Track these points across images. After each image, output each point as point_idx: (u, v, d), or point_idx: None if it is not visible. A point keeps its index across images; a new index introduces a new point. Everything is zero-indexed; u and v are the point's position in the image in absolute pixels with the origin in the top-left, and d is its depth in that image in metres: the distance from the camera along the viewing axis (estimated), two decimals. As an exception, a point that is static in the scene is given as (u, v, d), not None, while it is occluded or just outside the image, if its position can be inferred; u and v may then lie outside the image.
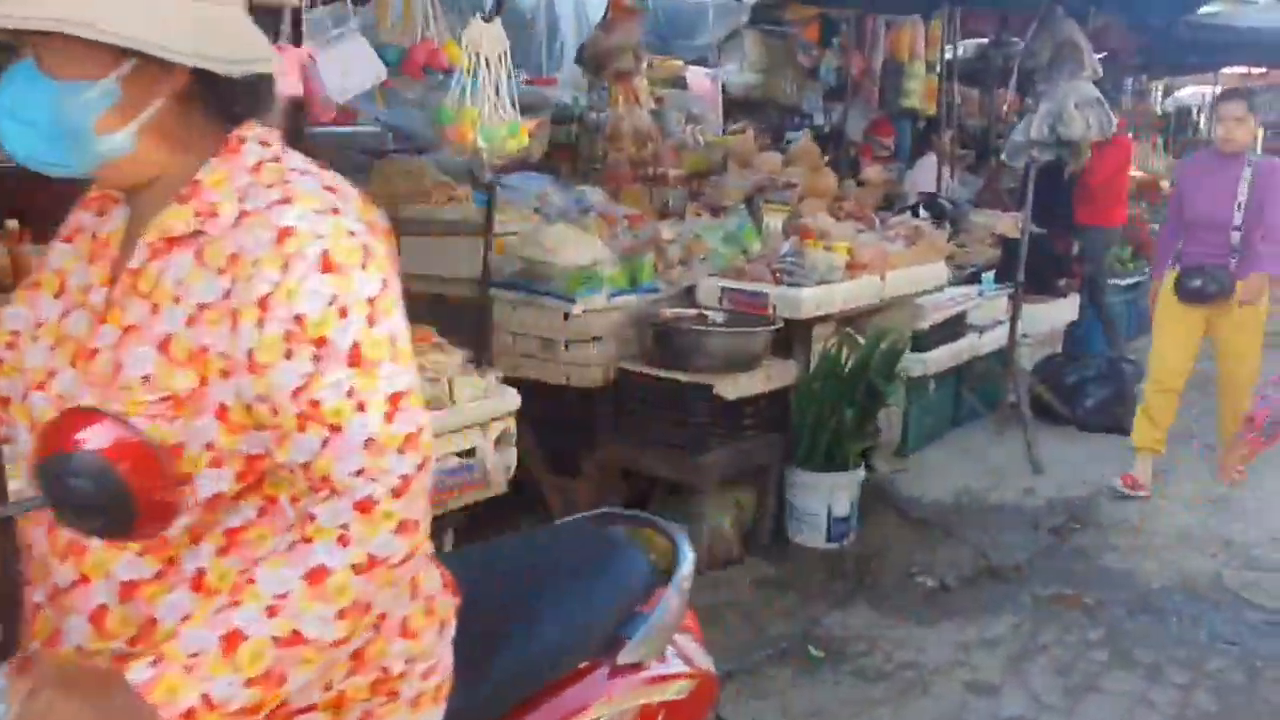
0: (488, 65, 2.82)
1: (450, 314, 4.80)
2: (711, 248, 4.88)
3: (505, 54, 2.90)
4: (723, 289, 4.75)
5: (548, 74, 6.84)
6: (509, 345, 4.66)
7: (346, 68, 2.39)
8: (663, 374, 4.40)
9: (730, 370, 4.37)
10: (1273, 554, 4.87)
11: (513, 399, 3.12)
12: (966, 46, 12.28)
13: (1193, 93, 16.28)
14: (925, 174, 8.59)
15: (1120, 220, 7.93)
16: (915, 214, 7.20)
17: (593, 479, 4.69)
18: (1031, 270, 6.73)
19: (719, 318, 4.68)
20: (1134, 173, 13.45)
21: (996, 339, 6.44)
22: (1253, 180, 5.07)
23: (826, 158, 9.96)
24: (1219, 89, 15.03)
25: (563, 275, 4.43)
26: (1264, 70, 12.86)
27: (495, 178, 4.16)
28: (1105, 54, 12.33)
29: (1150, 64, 11.77)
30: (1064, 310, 7.21)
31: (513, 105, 2.94)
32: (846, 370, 4.73)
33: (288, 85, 2.33)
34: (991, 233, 7.00)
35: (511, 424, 3.13)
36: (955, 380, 6.34)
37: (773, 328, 4.53)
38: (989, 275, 6.78)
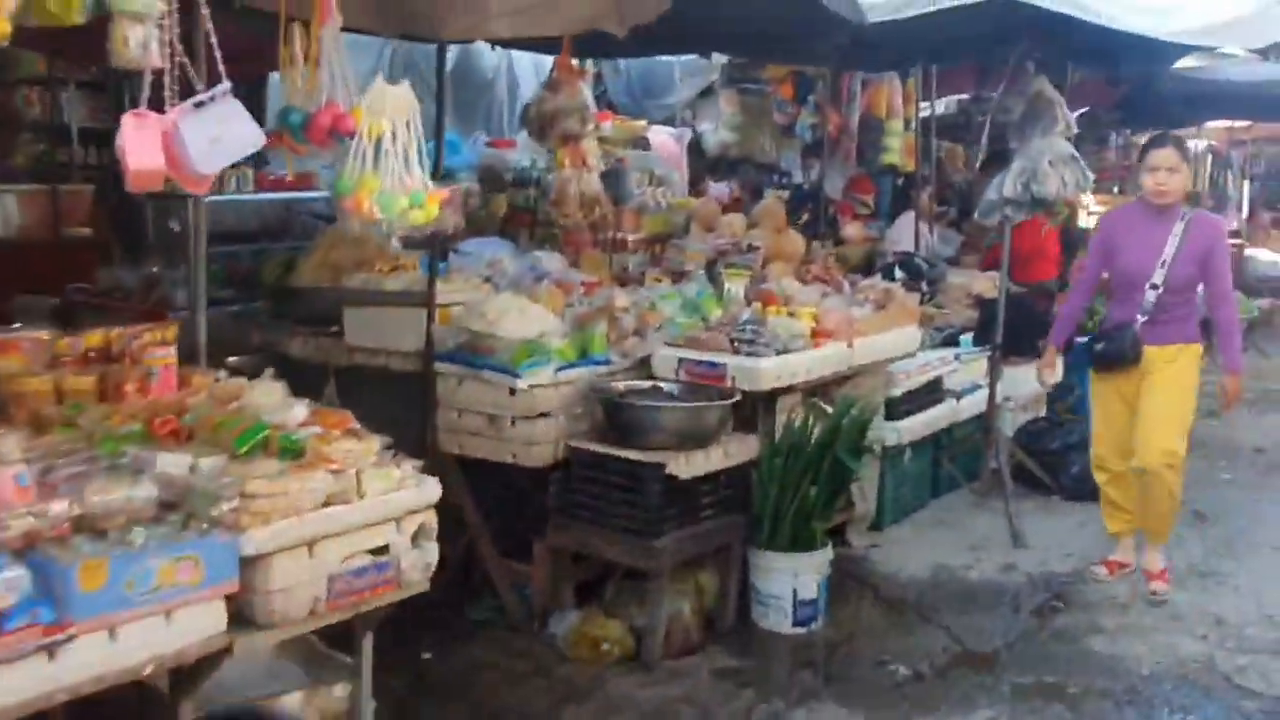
0: (393, 131, 2.61)
1: (395, 388, 4.59)
2: (668, 316, 4.65)
3: (414, 118, 2.68)
4: (679, 360, 4.51)
5: (510, 135, 6.69)
6: (455, 422, 4.42)
7: (218, 135, 2.17)
8: (614, 452, 4.15)
9: (685, 447, 4.12)
10: (1266, 633, 4.59)
11: (432, 490, 2.87)
12: (948, 103, 12.26)
13: (1179, 146, 16.22)
14: (905, 232, 8.41)
15: (1050, 275, 7.62)
16: (891, 274, 7.01)
17: (544, 564, 4.43)
18: (1011, 331, 6.52)
19: (675, 390, 4.45)
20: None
21: (976, 404, 6.21)
22: (1184, 237, 4.59)
23: (805, 216, 9.86)
24: (1205, 143, 15.02)
25: (507, 348, 4.20)
26: (1247, 124, 12.74)
27: (451, 245, 3.97)
28: (1085, 109, 12.31)
29: (1131, 118, 11.63)
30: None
31: (426, 173, 2.71)
32: (811, 444, 4.49)
33: (144, 156, 2.10)
34: (969, 292, 6.79)
35: (431, 517, 2.87)
36: (933, 448, 6.10)
37: (730, 401, 4.29)
38: (967, 337, 6.56)
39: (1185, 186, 4.67)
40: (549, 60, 6.33)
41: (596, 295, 4.66)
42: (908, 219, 8.54)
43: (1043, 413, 6.85)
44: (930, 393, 5.96)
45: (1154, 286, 4.59)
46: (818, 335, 4.77)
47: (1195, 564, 5.32)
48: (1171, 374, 4.66)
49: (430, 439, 4.43)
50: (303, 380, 5.03)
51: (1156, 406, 4.67)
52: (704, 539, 4.33)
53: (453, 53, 6.94)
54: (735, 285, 4.92)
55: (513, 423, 4.25)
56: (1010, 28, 5.62)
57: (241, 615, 2.54)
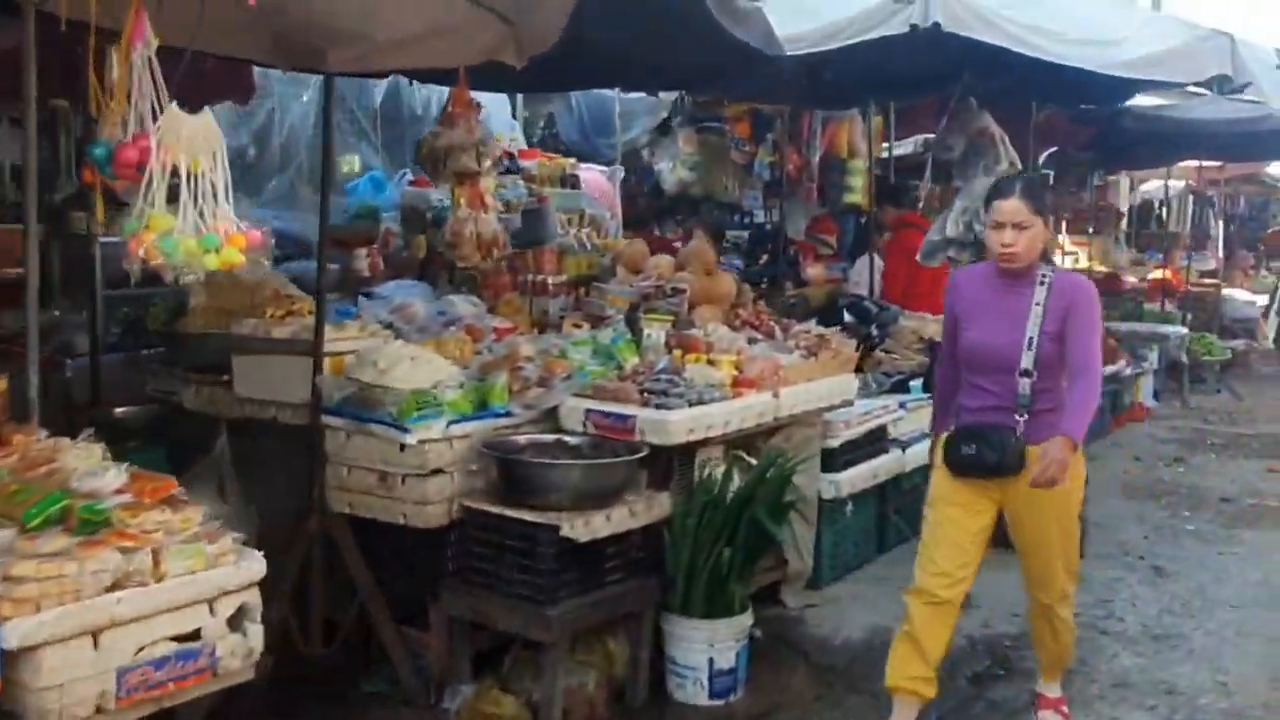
0: (188, 171, 2.32)
1: (286, 443, 4.29)
2: (579, 363, 4.36)
3: (219, 152, 2.41)
4: (586, 412, 4.22)
5: (438, 174, 6.42)
6: (344, 479, 4.11)
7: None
8: (507, 513, 3.84)
9: (583, 506, 3.82)
10: (1218, 702, 4.27)
11: (254, 567, 2.56)
12: (916, 142, 12.07)
13: (1157, 186, 16.06)
14: (864, 273, 8.15)
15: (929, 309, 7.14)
16: (840, 318, 6.75)
17: (441, 631, 4.11)
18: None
19: (582, 445, 4.15)
20: (1099, 267, 13.23)
21: (925, 453, 5.90)
22: (1046, 305, 3.60)
23: (765, 256, 9.60)
24: (1184, 183, 14.84)
25: (396, 400, 3.90)
26: (1219, 164, 12.55)
27: (363, 289, 3.68)
28: (1054, 149, 12.12)
29: (1101, 158, 11.44)
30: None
31: (230, 212, 2.43)
32: (729, 501, 4.19)
33: None
34: (921, 336, 6.51)
35: (254, 597, 2.57)
36: (878, 500, 5.80)
37: (635, 456, 4.00)
38: (918, 383, 6.28)
39: (1039, 244, 3.64)
40: (491, 96, 6.10)
41: (502, 343, 4.37)
42: (865, 260, 8.30)
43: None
44: (873, 442, 5.67)
45: (1025, 374, 3.59)
46: (739, 384, 4.48)
47: (1149, 625, 5.01)
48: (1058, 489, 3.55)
49: (318, 497, 4.12)
50: (196, 433, 4.81)
51: (1050, 534, 3.77)
52: (610, 605, 4.01)
53: (381, 87, 6.75)
54: (655, 331, 4.63)
55: (403, 480, 3.95)
56: (950, 62, 5.41)
57: (12, 715, 2.23)
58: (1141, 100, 9.64)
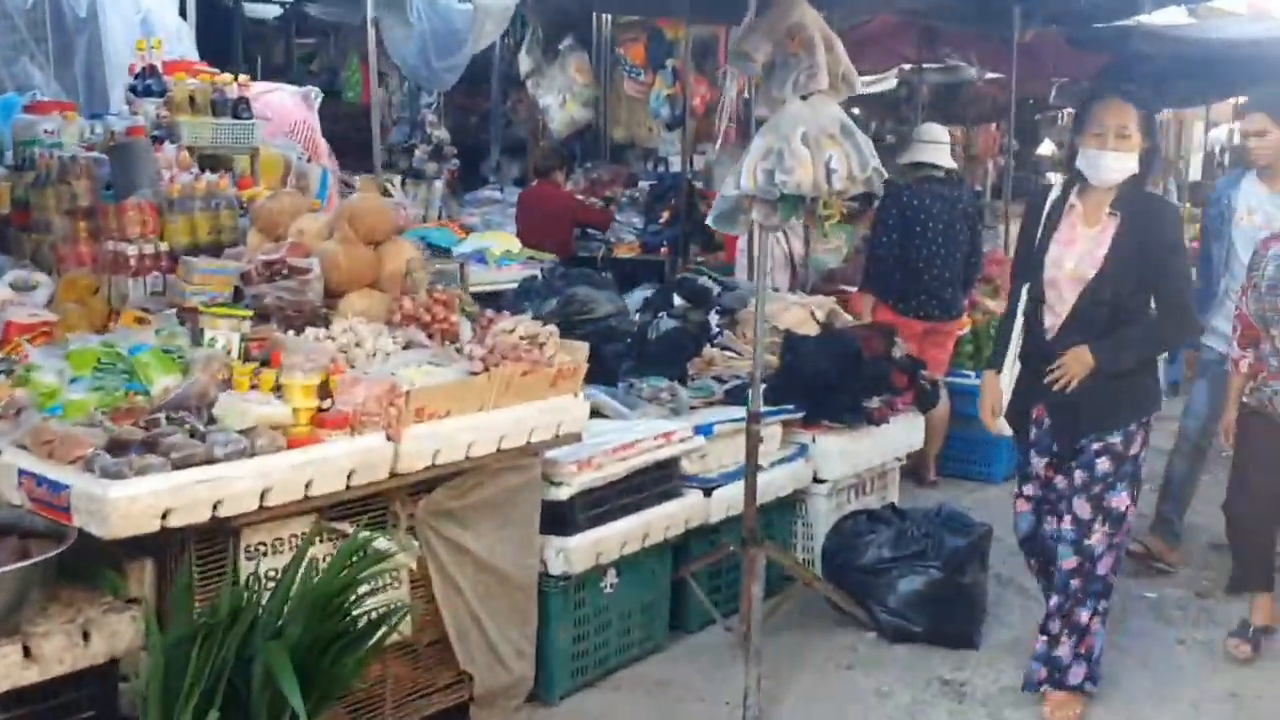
0: None
1: None
2: (49, 389, 2.72)
3: None
4: (20, 473, 2.58)
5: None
6: None
7: None
8: None
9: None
10: None
11: None
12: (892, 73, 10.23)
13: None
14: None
15: None
16: (667, 299, 5.01)
17: None
18: (822, 384, 4.56)
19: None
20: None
21: (775, 485, 4.26)
22: None
23: (665, 215, 7.82)
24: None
25: None
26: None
27: None
28: (1064, 79, 10.08)
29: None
30: (890, 440, 4.89)
31: None
32: (248, 624, 2.53)
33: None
34: (774, 326, 4.75)
35: None
36: (669, 564, 4.09)
37: (30, 562, 2.35)
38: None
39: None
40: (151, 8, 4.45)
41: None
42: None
43: (875, 500, 4.79)
44: (655, 484, 3.96)
45: None
46: (322, 422, 2.81)
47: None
48: None
49: None
50: None
51: None
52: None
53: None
54: (221, 335, 2.97)
55: None
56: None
57: None
58: (1159, 18, 7.68)
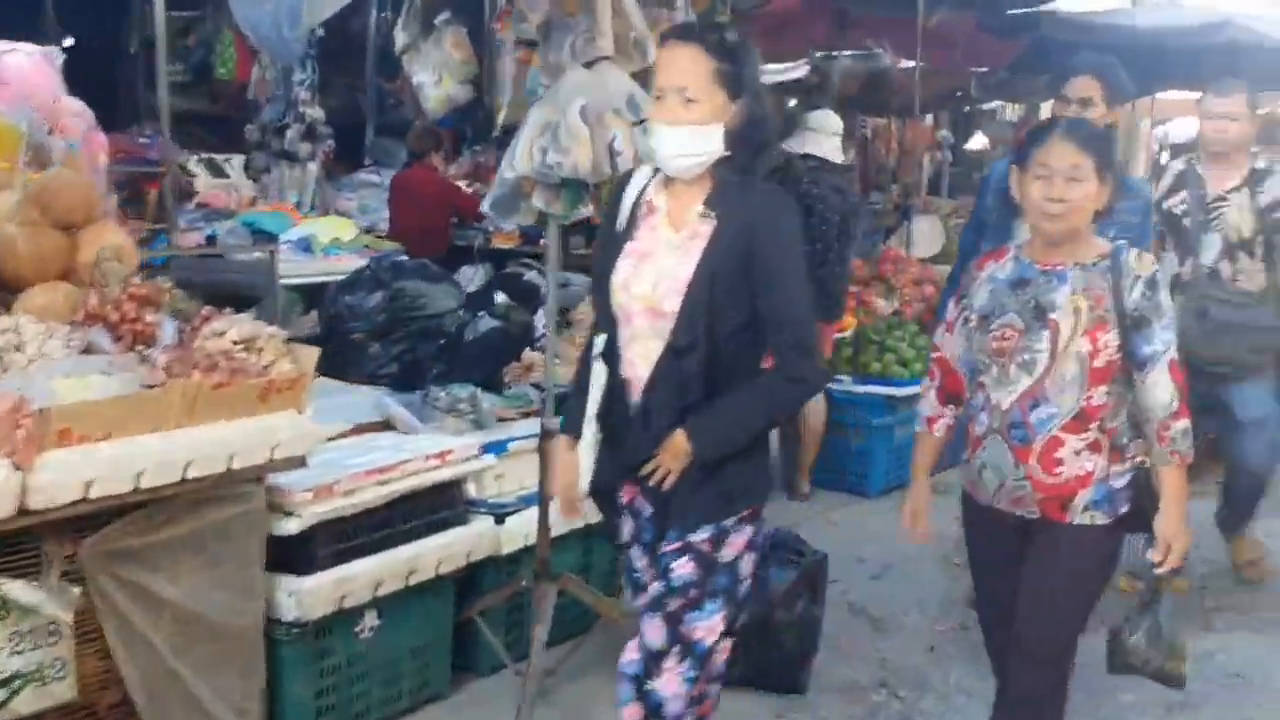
0: None
1: None
2: None
3: None
4: None
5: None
6: None
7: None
8: None
9: None
10: None
11: None
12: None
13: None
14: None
15: None
16: (489, 296, 4.50)
17: None
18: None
19: None
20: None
21: (531, 526, 3.69)
22: None
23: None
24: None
25: None
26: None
27: None
28: (983, 69, 9.64)
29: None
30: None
31: None
32: None
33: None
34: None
35: None
36: (450, 601, 3.57)
37: None
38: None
39: None
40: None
41: None
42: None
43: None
44: (433, 511, 3.43)
45: None
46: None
47: None
48: None
49: None
50: None
51: None
52: None
53: None
54: None
55: None
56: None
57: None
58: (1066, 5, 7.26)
